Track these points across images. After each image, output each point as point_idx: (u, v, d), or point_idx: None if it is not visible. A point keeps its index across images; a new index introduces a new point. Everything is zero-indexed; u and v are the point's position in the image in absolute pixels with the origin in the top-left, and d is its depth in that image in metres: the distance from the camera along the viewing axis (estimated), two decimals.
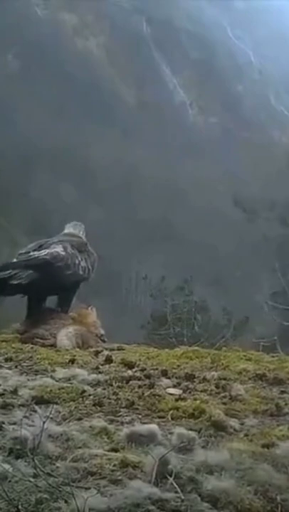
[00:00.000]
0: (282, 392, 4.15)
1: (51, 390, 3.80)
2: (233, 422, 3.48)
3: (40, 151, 30.62)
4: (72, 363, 4.60)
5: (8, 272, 5.56)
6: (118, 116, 33.31)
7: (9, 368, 4.43)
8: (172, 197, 31.11)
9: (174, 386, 4.13)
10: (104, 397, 3.76)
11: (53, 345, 5.33)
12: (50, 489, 2.56)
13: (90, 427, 3.27)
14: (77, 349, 5.27)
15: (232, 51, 39.48)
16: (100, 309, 6.09)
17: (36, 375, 4.28)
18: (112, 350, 5.24)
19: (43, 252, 5.76)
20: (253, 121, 36.38)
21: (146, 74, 36.82)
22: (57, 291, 5.96)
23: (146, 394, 3.85)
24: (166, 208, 30.70)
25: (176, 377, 4.30)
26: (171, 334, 16.52)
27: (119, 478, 2.72)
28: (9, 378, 4.10)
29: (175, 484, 2.64)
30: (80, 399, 3.74)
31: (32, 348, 5.10)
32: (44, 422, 2.98)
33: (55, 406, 3.55)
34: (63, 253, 5.83)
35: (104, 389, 3.95)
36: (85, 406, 3.64)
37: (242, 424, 3.52)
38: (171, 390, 4.02)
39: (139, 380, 4.16)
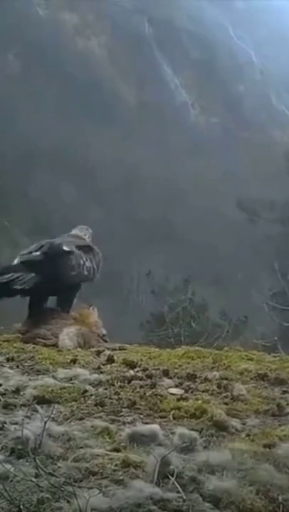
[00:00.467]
0: (284, 392, 4.15)
1: (53, 390, 3.80)
2: (235, 422, 3.48)
3: (41, 151, 30.61)
4: (74, 362, 4.60)
5: (10, 275, 5.49)
6: (119, 116, 33.30)
7: (11, 368, 4.43)
8: (173, 197, 31.11)
9: (176, 386, 4.13)
10: (105, 397, 3.76)
11: (55, 345, 5.32)
12: (51, 489, 2.56)
13: (92, 426, 3.27)
14: (79, 349, 5.27)
15: (233, 51, 39.47)
16: (101, 309, 6.09)
17: (38, 374, 4.28)
18: (113, 350, 5.24)
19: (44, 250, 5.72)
20: (254, 121, 36.38)
21: (147, 74, 36.80)
22: (60, 291, 5.93)
23: (148, 394, 3.85)
24: (166, 208, 30.70)
25: (177, 377, 4.30)
26: (169, 334, 16.52)
27: (121, 478, 2.72)
28: (11, 378, 4.11)
29: (177, 484, 2.64)
30: (82, 399, 3.74)
31: (34, 347, 5.10)
32: (46, 422, 2.98)
33: (56, 406, 3.55)
34: (65, 248, 5.78)
35: (105, 389, 3.95)
36: (87, 406, 3.64)
37: (244, 424, 3.52)
38: (173, 390, 4.02)
39: (140, 380, 4.16)
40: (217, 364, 4.67)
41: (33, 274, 5.50)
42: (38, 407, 3.53)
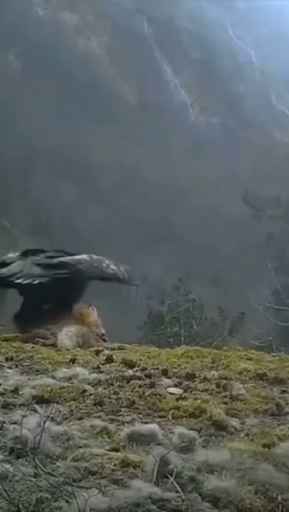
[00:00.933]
0: (283, 391, 4.15)
1: (52, 390, 3.80)
2: (234, 422, 3.49)
3: (41, 150, 30.60)
4: (73, 362, 4.61)
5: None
6: (119, 116, 33.29)
7: (10, 368, 4.43)
8: (172, 197, 31.08)
9: (175, 385, 4.13)
10: (105, 397, 3.76)
11: (54, 345, 5.32)
12: (50, 489, 2.56)
13: (91, 426, 3.27)
14: (78, 348, 5.27)
15: (233, 51, 39.44)
16: (100, 309, 6.09)
17: (37, 374, 4.28)
18: (112, 349, 5.24)
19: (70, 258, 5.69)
20: (254, 121, 36.35)
21: (147, 74, 36.78)
22: (72, 292, 5.90)
23: (147, 393, 3.85)
24: (166, 208, 30.67)
25: (176, 377, 4.30)
26: (168, 334, 16.51)
27: (120, 477, 2.72)
28: (10, 378, 4.11)
29: (176, 484, 2.64)
30: (81, 398, 3.74)
31: (33, 347, 5.10)
32: (45, 422, 2.98)
33: (55, 405, 3.55)
34: (88, 259, 5.82)
35: (105, 388, 3.95)
36: (86, 405, 3.64)
37: (243, 423, 3.52)
38: (172, 390, 4.02)
39: (139, 379, 4.16)
40: (216, 364, 4.67)
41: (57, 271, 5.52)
42: (37, 406, 3.53)
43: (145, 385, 4.03)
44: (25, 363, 4.56)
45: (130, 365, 4.52)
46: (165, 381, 4.18)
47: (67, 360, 4.63)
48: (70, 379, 4.10)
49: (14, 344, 5.22)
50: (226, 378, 4.25)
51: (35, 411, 3.41)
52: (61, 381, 4.04)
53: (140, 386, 3.99)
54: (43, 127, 31.01)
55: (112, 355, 4.75)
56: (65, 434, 3.12)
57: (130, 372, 4.33)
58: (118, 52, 37.06)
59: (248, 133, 35.27)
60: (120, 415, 3.52)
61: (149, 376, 4.23)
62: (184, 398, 3.83)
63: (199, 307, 17.84)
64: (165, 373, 4.35)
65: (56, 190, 30.29)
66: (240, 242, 27.96)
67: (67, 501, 2.48)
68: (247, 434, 3.35)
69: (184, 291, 18.22)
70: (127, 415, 3.53)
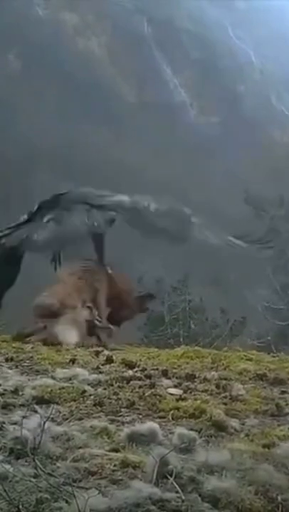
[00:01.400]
0: (283, 392, 4.15)
1: (52, 390, 3.80)
2: (234, 422, 3.49)
3: (41, 150, 30.61)
4: (73, 362, 4.61)
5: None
6: (119, 116, 33.30)
7: (10, 368, 4.43)
8: (174, 197, 31.00)
9: (175, 386, 4.13)
10: (104, 397, 3.76)
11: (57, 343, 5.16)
12: (50, 489, 2.56)
13: (91, 427, 3.27)
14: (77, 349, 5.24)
15: (233, 51, 39.44)
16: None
17: (37, 375, 4.28)
18: (112, 350, 5.24)
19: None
20: (254, 121, 36.35)
21: (147, 74, 36.79)
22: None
23: (146, 394, 3.85)
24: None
25: (176, 377, 4.30)
26: (168, 335, 16.49)
27: (120, 478, 2.72)
28: (10, 378, 4.11)
29: (176, 484, 2.64)
30: (81, 399, 3.74)
31: (32, 347, 5.10)
32: (45, 422, 2.98)
33: (55, 406, 3.55)
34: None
35: (104, 389, 3.95)
36: (86, 406, 3.64)
37: (243, 424, 3.52)
38: (172, 390, 4.02)
39: (139, 380, 4.16)
40: (216, 364, 4.67)
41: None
42: (37, 407, 3.53)
43: (145, 385, 4.03)
44: (25, 364, 4.56)
45: (130, 365, 4.52)
46: (165, 382, 4.18)
47: (67, 361, 4.63)
48: (70, 379, 4.10)
49: (14, 345, 5.22)
50: (225, 379, 4.25)
51: (35, 411, 3.42)
52: (61, 382, 4.04)
53: (140, 387, 3.99)
54: (43, 127, 31.02)
55: (111, 356, 4.75)
56: (65, 435, 3.12)
57: (130, 372, 4.33)
58: (118, 52, 37.08)
59: (248, 133, 35.28)
60: (120, 416, 3.53)
61: (149, 377, 4.23)
62: (184, 399, 3.83)
63: (199, 308, 17.82)
64: (165, 374, 4.35)
65: (56, 190, 30.28)
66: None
67: (67, 502, 2.48)
68: (247, 435, 3.35)
69: (184, 292, 18.19)
70: (127, 416, 3.53)
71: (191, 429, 3.27)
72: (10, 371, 4.33)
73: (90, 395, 3.80)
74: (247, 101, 37.77)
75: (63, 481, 2.65)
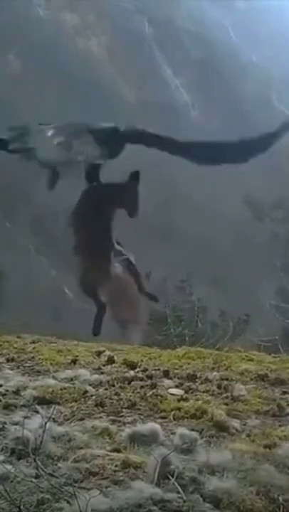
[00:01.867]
0: (284, 392, 4.15)
1: (53, 391, 3.80)
2: (235, 423, 3.49)
3: None
4: (74, 363, 4.61)
5: None
6: (119, 117, 33.28)
7: (11, 369, 4.43)
8: (174, 197, 31.11)
9: (176, 386, 4.13)
10: (106, 398, 3.76)
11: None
12: (52, 490, 2.56)
13: (92, 427, 3.27)
14: None
15: (233, 51, 39.41)
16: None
17: (38, 375, 4.28)
18: (113, 350, 5.24)
19: None
20: (254, 121, 36.30)
21: (147, 74, 36.78)
22: None
23: (148, 394, 3.85)
24: (167, 208, 30.69)
25: (178, 378, 4.30)
26: (172, 335, 16.48)
27: (121, 478, 2.72)
28: (11, 379, 4.11)
29: (177, 485, 2.64)
30: (82, 399, 3.74)
31: (34, 348, 5.10)
32: (46, 423, 2.98)
33: (57, 406, 3.55)
34: None
35: (106, 389, 3.95)
36: (87, 406, 3.64)
37: (244, 424, 3.52)
38: (173, 391, 4.02)
39: (141, 380, 4.16)
40: (217, 365, 4.67)
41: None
42: (38, 407, 3.53)
43: (146, 386, 4.03)
44: (27, 364, 4.56)
45: (131, 366, 4.52)
46: (166, 382, 4.19)
47: (69, 361, 4.63)
48: (72, 380, 4.10)
49: (15, 345, 5.22)
50: (227, 379, 4.25)
51: (37, 412, 3.42)
52: (62, 382, 4.04)
53: (141, 387, 4.00)
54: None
55: (113, 356, 4.75)
56: (67, 435, 3.12)
57: (131, 373, 4.33)
58: (118, 53, 37.06)
59: (248, 133, 35.23)
60: (121, 416, 3.53)
61: (150, 377, 4.23)
62: (186, 399, 3.83)
63: (203, 308, 17.80)
64: (166, 374, 4.35)
65: (57, 191, 30.27)
66: (242, 242, 27.95)
67: (68, 502, 2.48)
68: (248, 435, 3.35)
69: (187, 291, 18.18)
70: (129, 416, 3.53)
71: (193, 430, 3.28)
72: (11, 372, 4.34)
73: (92, 396, 3.80)
74: (247, 101, 37.76)
75: (64, 481, 2.65)
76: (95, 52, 37.86)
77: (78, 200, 4.71)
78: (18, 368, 4.47)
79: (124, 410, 3.61)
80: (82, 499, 2.45)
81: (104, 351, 5.06)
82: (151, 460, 2.78)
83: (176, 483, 2.65)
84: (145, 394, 3.85)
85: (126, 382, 4.09)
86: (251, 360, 4.91)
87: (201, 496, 2.61)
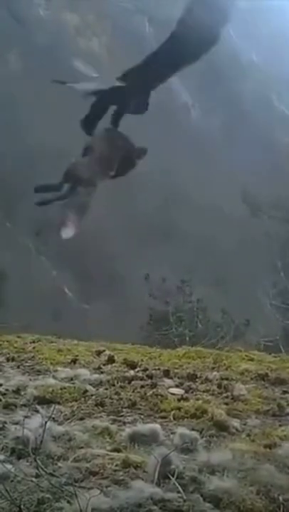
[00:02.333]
0: (284, 392, 4.15)
1: (53, 390, 3.80)
2: (235, 422, 3.49)
3: (41, 151, 30.62)
4: (75, 362, 4.60)
5: None
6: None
7: (11, 368, 4.43)
8: (175, 197, 31.13)
9: (176, 386, 4.13)
10: (106, 397, 3.76)
11: None
12: (52, 489, 2.56)
13: (92, 426, 3.27)
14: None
15: (233, 51, 39.42)
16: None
17: (38, 375, 4.28)
18: (113, 349, 5.24)
19: None
20: (255, 121, 36.35)
21: None
22: None
23: (148, 394, 3.85)
24: (167, 208, 30.72)
25: (178, 378, 4.30)
26: (172, 334, 16.47)
27: (122, 478, 2.71)
28: (11, 378, 4.11)
29: (177, 484, 2.64)
30: (82, 399, 3.74)
31: (34, 347, 5.10)
32: (46, 422, 2.98)
33: (57, 406, 3.55)
34: None
35: (106, 389, 3.95)
36: (87, 406, 3.63)
37: (244, 424, 3.52)
38: (174, 390, 4.02)
39: (141, 380, 4.16)
40: (217, 364, 4.67)
41: None
42: (38, 407, 3.53)
43: (147, 385, 4.03)
44: (27, 364, 4.56)
45: (132, 365, 4.52)
46: (167, 382, 4.18)
47: (69, 361, 4.62)
48: (72, 379, 4.10)
49: (15, 345, 5.22)
50: (227, 379, 4.25)
51: (37, 411, 3.41)
52: (63, 381, 4.04)
53: (142, 387, 3.99)
54: (43, 127, 31.02)
55: (113, 356, 4.75)
56: (67, 435, 3.12)
57: (132, 372, 4.33)
58: (119, 52, 37.05)
59: (248, 133, 35.29)
60: (122, 416, 3.52)
61: (150, 377, 4.23)
62: (186, 399, 3.83)
63: (203, 308, 17.80)
64: (167, 374, 4.35)
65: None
66: (243, 242, 27.95)
67: (68, 502, 2.48)
68: (248, 435, 3.35)
69: (188, 291, 18.17)
70: (129, 416, 3.53)
71: (193, 429, 3.27)
72: (12, 371, 4.33)
73: (92, 395, 3.79)
74: (248, 101, 37.77)
75: (65, 481, 2.64)
76: (95, 52, 37.87)
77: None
78: (18, 367, 4.47)
79: (124, 410, 3.60)
80: (82, 498, 2.45)
81: (104, 351, 5.06)
82: (151, 460, 2.78)
83: (176, 482, 2.64)
84: (145, 393, 3.85)
85: (126, 381, 4.08)
86: (251, 359, 4.90)
87: (201, 495, 2.60)
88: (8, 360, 4.64)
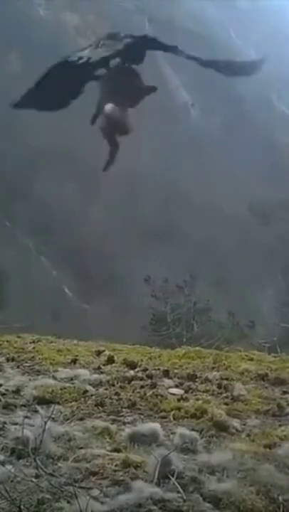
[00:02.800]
0: (284, 392, 4.15)
1: (53, 390, 3.80)
2: (235, 423, 3.49)
3: (42, 151, 30.63)
4: (74, 363, 4.60)
5: None
6: None
7: (11, 368, 4.43)
8: (175, 197, 31.14)
9: (176, 386, 4.13)
10: (106, 397, 3.76)
11: None
12: (52, 489, 2.56)
13: (92, 427, 3.27)
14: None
15: (233, 51, 39.40)
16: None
17: (38, 375, 4.28)
18: (113, 350, 5.24)
19: None
20: (255, 122, 36.37)
21: (148, 74, 36.72)
22: None
23: (148, 394, 3.85)
24: (168, 208, 30.72)
25: (178, 378, 4.30)
26: (171, 334, 16.49)
27: (122, 478, 2.71)
28: (11, 378, 4.11)
29: (177, 484, 2.64)
30: (82, 399, 3.74)
31: (34, 348, 5.10)
32: (46, 422, 2.97)
33: (57, 406, 3.55)
34: None
35: (106, 389, 3.95)
36: (87, 406, 3.64)
37: (244, 424, 3.52)
38: (173, 390, 4.02)
39: (141, 380, 4.16)
40: (217, 364, 4.67)
41: None
42: (38, 407, 3.53)
43: (146, 385, 4.03)
44: (27, 364, 4.56)
45: (131, 365, 4.52)
46: (166, 382, 4.18)
47: (69, 361, 4.62)
48: (72, 379, 4.10)
49: (15, 345, 5.22)
50: (227, 379, 4.25)
51: (37, 411, 3.41)
52: (62, 382, 4.04)
53: (141, 387, 3.99)
54: (43, 127, 31.00)
55: (113, 356, 4.75)
56: (67, 435, 3.12)
57: (131, 372, 4.33)
58: None
59: (249, 133, 35.28)
60: (121, 416, 3.52)
61: (150, 377, 4.23)
62: (186, 399, 3.83)
63: (204, 308, 17.81)
64: (166, 374, 4.35)
65: (57, 191, 30.30)
66: (243, 243, 27.98)
67: (68, 502, 2.48)
68: (248, 435, 3.35)
69: (187, 292, 18.19)
70: (129, 416, 3.53)
71: (193, 430, 3.27)
72: (11, 371, 4.33)
73: (92, 395, 3.80)
74: (248, 101, 37.77)
75: (65, 481, 2.64)
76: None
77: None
78: (18, 367, 4.47)
79: (124, 410, 3.61)
80: (82, 499, 2.45)
81: (104, 351, 5.06)
82: (151, 460, 2.78)
83: (176, 482, 2.64)
84: (145, 394, 3.85)
85: (126, 381, 4.09)
86: (251, 359, 4.91)
87: (201, 495, 2.60)
88: (7, 360, 4.64)
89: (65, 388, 3.87)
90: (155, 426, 3.25)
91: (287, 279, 20.85)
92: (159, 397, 3.82)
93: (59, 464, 2.82)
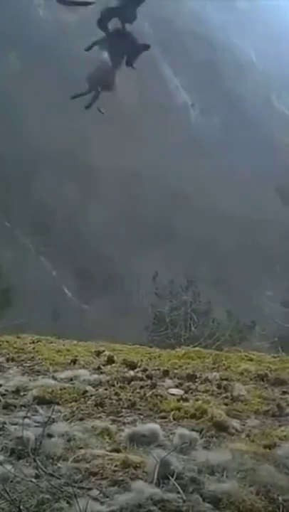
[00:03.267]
0: (284, 392, 4.15)
1: (53, 391, 3.80)
2: (235, 423, 3.48)
3: (42, 151, 30.62)
4: (74, 363, 4.61)
5: None
6: (120, 117, 33.28)
7: (11, 368, 4.43)
8: (174, 197, 31.12)
9: (176, 386, 4.13)
10: (106, 398, 3.76)
11: None
12: (52, 490, 2.56)
13: (92, 427, 3.27)
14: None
15: (233, 51, 39.43)
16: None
17: (38, 375, 4.28)
18: (113, 350, 5.24)
19: None
20: (255, 122, 36.36)
21: (148, 74, 36.78)
22: None
23: (148, 394, 3.85)
24: (168, 209, 30.71)
25: (177, 378, 4.30)
26: (170, 334, 16.48)
27: (121, 478, 2.71)
28: (11, 379, 4.11)
29: (177, 485, 2.64)
30: (82, 399, 3.74)
31: (33, 348, 5.10)
32: (46, 423, 2.98)
33: (56, 406, 3.55)
34: None
35: (106, 389, 3.95)
36: (87, 406, 3.64)
37: (244, 424, 3.52)
38: (173, 391, 4.02)
39: (140, 380, 4.16)
40: (217, 364, 4.67)
41: None
42: (38, 407, 3.53)
43: (146, 386, 4.03)
44: (27, 364, 4.56)
45: (131, 366, 4.52)
46: (166, 382, 4.19)
47: (68, 361, 4.63)
48: (71, 380, 4.10)
49: (15, 345, 5.22)
50: (226, 379, 4.25)
51: (37, 412, 3.41)
52: (62, 382, 4.04)
53: (141, 387, 3.99)
54: (43, 128, 31.01)
55: (113, 356, 4.75)
56: (66, 435, 3.12)
57: (131, 373, 4.33)
58: None
59: (249, 133, 35.29)
60: (121, 416, 3.53)
61: (150, 377, 4.23)
62: (185, 399, 3.83)
63: (202, 309, 17.81)
64: (166, 374, 4.35)
65: (57, 191, 30.31)
66: (245, 242, 27.98)
67: (68, 502, 2.48)
68: (248, 435, 3.35)
69: (187, 292, 18.19)
70: (128, 416, 3.53)
71: (193, 430, 3.27)
72: (11, 371, 4.34)
73: (91, 396, 3.80)
74: (248, 101, 37.76)
75: (64, 481, 2.65)
76: (95, 52, 37.79)
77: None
78: (18, 367, 4.47)
79: (124, 410, 3.61)
80: (82, 499, 2.45)
81: (103, 351, 5.06)
82: (150, 460, 2.78)
83: (175, 483, 2.65)
84: (145, 394, 3.85)
85: (126, 382, 4.09)
86: (251, 360, 4.91)
87: (201, 495, 2.61)
88: (7, 360, 4.64)
89: (64, 388, 3.87)
90: (155, 426, 3.25)
91: (287, 279, 20.87)
92: (159, 397, 3.82)
93: (59, 464, 2.83)
